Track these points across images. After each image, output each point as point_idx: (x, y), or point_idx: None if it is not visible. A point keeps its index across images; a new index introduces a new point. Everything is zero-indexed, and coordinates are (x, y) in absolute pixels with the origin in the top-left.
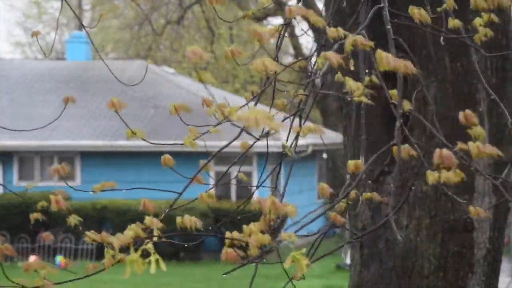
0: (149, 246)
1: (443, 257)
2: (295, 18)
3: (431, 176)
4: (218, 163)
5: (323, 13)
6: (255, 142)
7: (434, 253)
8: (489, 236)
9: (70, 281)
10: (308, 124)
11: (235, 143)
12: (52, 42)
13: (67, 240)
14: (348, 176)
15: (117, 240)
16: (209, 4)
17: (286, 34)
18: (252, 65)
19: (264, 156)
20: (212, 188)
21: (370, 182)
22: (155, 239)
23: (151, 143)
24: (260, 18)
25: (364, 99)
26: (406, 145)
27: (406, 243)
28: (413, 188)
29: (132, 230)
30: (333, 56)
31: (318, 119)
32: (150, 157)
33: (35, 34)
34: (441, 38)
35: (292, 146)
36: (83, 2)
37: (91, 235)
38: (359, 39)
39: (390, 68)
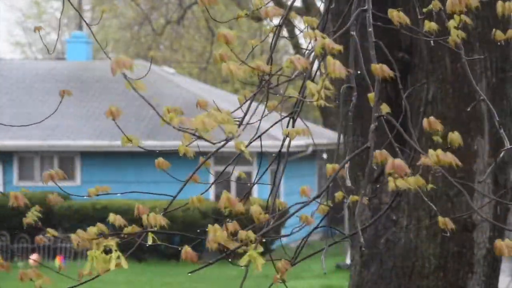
0: (111, 243)
1: (443, 257)
2: (271, 20)
3: (391, 183)
4: (217, 163)
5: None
6: (250, 142)
7: (434, 253)
8: (489, 236)
9: None
10: (296, 126)
11: (232, 143)
12: (52, 42)
13: (67, 240)
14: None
15: (76, 236)
16: (201, 5)
17: (286, 34)
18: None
19: (264, 156)
20: (209, 188)
21: (351, 185)
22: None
23: (145, 149)
24: (260, 18)
25: (323, 103)
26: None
27: (406, 243)
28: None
29: (96, 227)
30: (297, 60)
31: (318, 119)
32: (150, 157)
33: (37, 29)
34: (431, 41)
35: (284, 146)
36: (83, 2)
37: (51, 231)
38: (327, 43)
39: (336, 75)
